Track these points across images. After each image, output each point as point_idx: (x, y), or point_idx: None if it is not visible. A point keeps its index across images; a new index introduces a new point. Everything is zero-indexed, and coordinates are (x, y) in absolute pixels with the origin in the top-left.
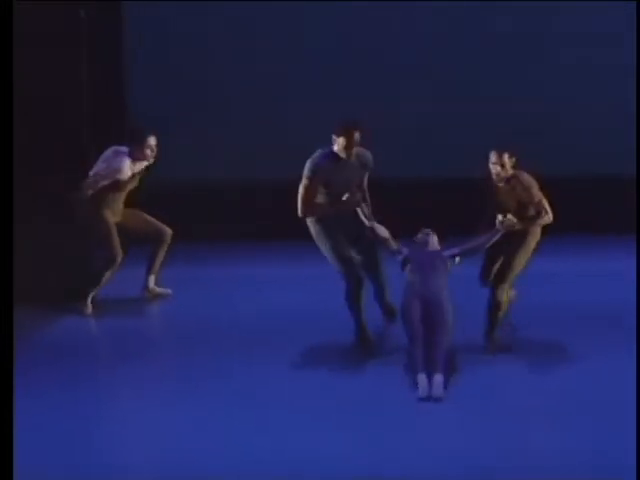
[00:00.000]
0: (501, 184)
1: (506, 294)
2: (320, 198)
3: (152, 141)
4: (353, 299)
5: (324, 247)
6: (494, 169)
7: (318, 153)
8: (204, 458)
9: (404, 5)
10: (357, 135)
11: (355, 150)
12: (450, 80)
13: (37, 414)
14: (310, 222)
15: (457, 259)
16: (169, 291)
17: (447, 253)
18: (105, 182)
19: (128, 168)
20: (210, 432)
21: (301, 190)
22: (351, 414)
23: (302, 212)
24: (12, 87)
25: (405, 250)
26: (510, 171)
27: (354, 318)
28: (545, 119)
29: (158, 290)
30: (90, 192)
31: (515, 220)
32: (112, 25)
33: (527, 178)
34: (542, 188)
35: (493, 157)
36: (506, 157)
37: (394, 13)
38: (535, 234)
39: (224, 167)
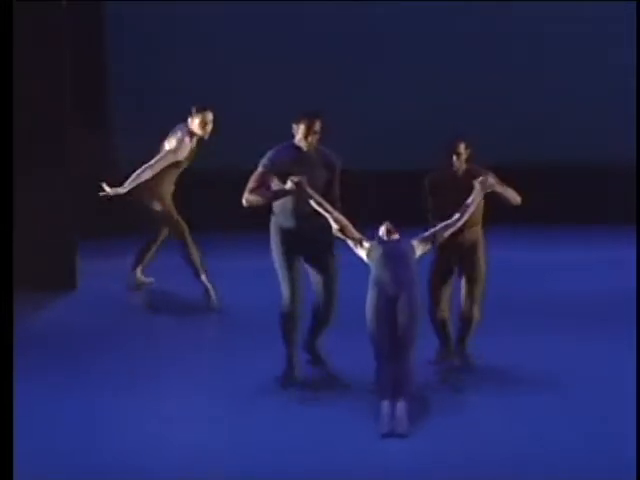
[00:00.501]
0: (457, 174)
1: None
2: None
3: (209, 116)
4: (285, 328)
5: (276, 259)
6: (449, 158)
7: (279, 145)
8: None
9: None
10: (317, 125)
11: (320, 149)
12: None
13: (36, 397)
14: (271, 225)
15: (428, 246)
16: (152, 280)
17: (418, 238)
18: (165, 161)
19: (187, 145)
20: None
21: (251, 178)
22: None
23: (245, 200)
24: (12, 86)
25: (370, 241)
26: (463, 165)
27: (285, 348)
28: (545, 110)
29: (144, 280)
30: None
31: (494, 180)
32: (93, 11)
33: (481, 170)
34: (542, 177)
35: (450, 147)
36: (462, 147)
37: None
38: (481, 238)
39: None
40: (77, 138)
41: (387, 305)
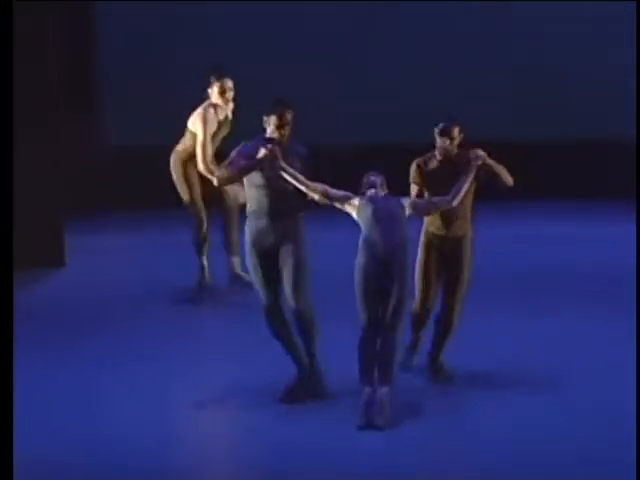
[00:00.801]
0: (446, 159)
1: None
2: (254, 182)
3: (228, 83)
4: (272, 325)
5: (249, 264)
6: (442, 142)
7: (250, 141)
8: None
9: None
10: (289, 116)
11: (291, 141)
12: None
13: (26, 373)
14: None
15: (417, 213)
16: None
17: (409, 200)
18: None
19: (212, 118)
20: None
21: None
22: None
23: (217, 178)
24: (12, 85)
25: (359, 198)
26: (455, 150)
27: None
28: (546, 84)
29: (242, 275)
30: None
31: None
32: None
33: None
34: (543, 153)
35: (441, 128)
36: (456, 131)
37: None
38: (469, 234)
39: None
40: (65, 118)
41: (377, 268)
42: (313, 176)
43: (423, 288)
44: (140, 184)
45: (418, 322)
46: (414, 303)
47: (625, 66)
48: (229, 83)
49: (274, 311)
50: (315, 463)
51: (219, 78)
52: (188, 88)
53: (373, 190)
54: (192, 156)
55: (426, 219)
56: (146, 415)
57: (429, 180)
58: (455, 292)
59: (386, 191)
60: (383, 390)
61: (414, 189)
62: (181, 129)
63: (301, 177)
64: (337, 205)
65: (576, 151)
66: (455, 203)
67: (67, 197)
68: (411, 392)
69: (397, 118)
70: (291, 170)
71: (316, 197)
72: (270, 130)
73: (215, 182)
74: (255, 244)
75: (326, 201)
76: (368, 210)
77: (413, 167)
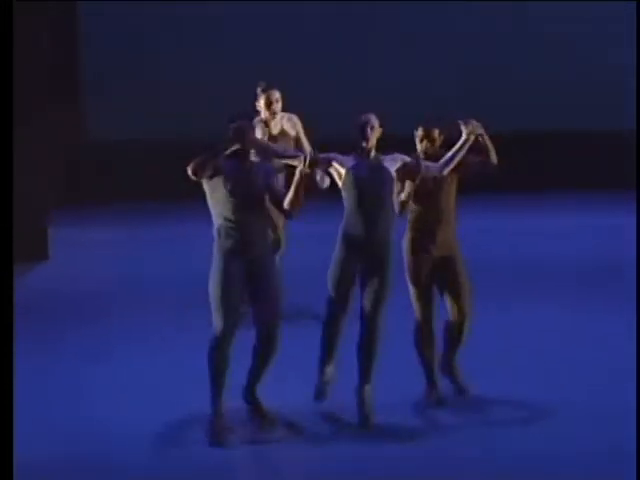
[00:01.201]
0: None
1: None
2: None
3: (275, 95)
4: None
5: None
6: (421, 146)
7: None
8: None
9: None
10: (276, 94)
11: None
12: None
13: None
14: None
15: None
16: None
17: (399, 164)
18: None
19: (261, 136)
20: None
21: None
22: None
23: (190, 169)
24: (12, 84)
25: (345, 161)
26: (437, 152)
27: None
28: (544, 74)
29: None
30: None
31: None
32: None
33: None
34: (541, 144)
35: (421, 132)
36: (436, 133)
37: None
38: (455, 239)
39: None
40: (50, 114)
41: (353, 250)
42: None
43: (423, 309)
44: (124, 179)
45: (426, 349)
46: (417, 329)
47: (625, 66)
48: (276, 95)
49: (227, 342)
50: None
51: (265, 90)
52: (171, 85)
53: (358, 154)
54: None
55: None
56: (134, 407)
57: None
58: (459, 302)
59: (373, 142)
60: (368, 388)
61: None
62: (165, 124)
63: (276, 148)
64: (322, 170)
65: (575, 143)
66: (445, 172)
67: (51, 192)
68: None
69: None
70: (261, 142)
71: (299, 165)
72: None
73: (189, 172)
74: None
75: (309, 171)
76: (351, 187)
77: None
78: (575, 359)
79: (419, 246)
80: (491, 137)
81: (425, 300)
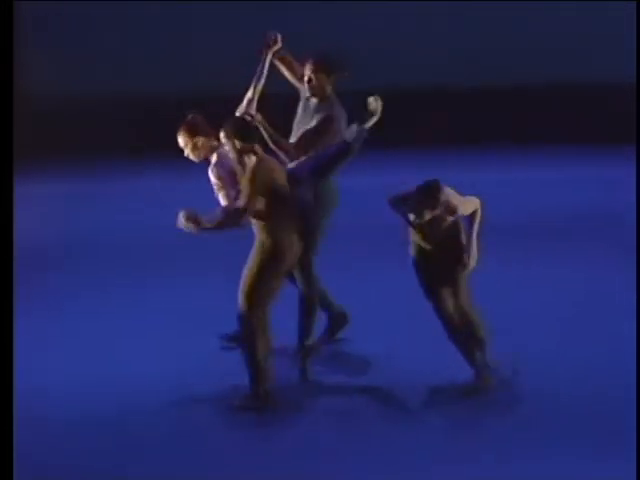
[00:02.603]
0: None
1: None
2: None
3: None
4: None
5: None
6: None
7: None
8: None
9: None
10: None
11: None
12: None
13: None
14: None
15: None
16: None
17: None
18: None
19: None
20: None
21: None
22: None
23: None
24: (12, 84)
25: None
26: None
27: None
28: (543, 26)
29: None
30: None
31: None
32: None
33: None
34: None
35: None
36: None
37: None
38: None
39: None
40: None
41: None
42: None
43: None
44: (66, 134)
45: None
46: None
47: (625, 66)
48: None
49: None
50: None
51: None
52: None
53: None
54: None
55: None
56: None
57: None
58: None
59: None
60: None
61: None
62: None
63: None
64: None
65: (575, 96)
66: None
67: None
68: None
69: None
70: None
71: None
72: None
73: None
74: None
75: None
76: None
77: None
78: (574, 315)
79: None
80: (490, 91)
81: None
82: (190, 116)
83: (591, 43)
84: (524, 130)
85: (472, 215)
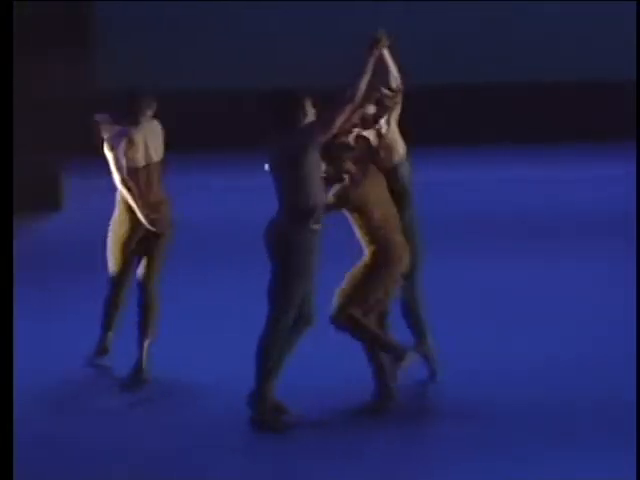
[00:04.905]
0: None
1: None
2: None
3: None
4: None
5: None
6: None
7: None
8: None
9: None
10: None
11: None
12: None
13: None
14: None
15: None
16: None
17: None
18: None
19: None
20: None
21: None
22: None
23: None
24: (12, 84)
25: None
26: None
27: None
28: (544, 25)
29: None
30: None
31: None
32: None
33: None
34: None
35: None
36: None
37: None
38: None
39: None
40: (59, 58)
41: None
42: None
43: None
44: None
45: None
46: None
47: (625, 66)
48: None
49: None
50: None
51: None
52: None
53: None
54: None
55: None
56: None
57: None
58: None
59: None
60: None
61: None
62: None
63: None
64: None
65: (576, 96)
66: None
67: (64, 139)
68: None
69: None
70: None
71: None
72: None
73: None
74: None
75: None
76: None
77: None
78: (576, 313)
79: None
80: (490, 90)
81: None
82: None
83: (591, 43)
84: (524, 129)
85: None
